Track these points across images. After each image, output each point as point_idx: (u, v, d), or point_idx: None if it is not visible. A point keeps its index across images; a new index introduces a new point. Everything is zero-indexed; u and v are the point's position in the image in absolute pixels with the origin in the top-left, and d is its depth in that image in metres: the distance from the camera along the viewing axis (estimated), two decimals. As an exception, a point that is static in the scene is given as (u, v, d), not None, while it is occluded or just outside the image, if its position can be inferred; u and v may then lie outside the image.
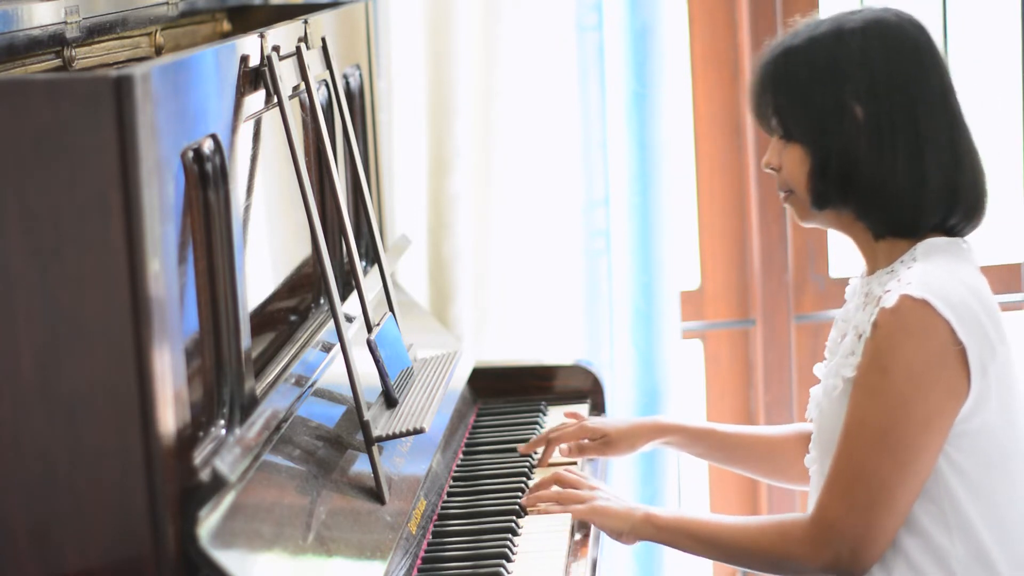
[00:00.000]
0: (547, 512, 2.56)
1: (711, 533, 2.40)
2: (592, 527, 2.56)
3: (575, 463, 2.82)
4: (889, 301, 2.24)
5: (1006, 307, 3.88)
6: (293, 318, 2.55)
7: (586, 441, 2.81)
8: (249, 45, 2.22)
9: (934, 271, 2.27)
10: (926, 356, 2.22)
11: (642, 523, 2.45)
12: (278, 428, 2.18)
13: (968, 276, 2.30)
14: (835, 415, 2.33)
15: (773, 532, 2.34)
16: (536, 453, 2.86)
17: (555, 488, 2.59)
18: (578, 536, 2.55)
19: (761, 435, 2.73)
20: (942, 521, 2.27)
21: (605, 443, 2.79)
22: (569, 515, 2.55)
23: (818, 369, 2.48)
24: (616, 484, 3.57)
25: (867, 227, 2.36)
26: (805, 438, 2.62)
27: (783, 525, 2.34)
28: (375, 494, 2.34)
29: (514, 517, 2.57)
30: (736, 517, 2.46)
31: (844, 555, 2.26)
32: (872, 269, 2.39)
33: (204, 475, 1.90)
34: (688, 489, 3.97)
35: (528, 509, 2.59)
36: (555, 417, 3.07)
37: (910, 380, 2.22)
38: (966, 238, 2.37)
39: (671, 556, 3.69)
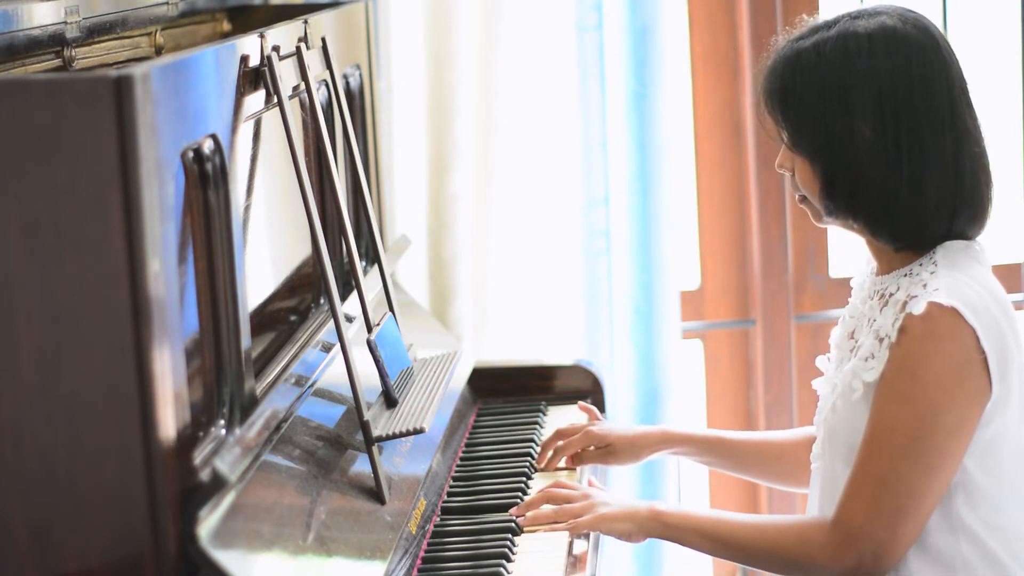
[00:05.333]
0: (551, 530, 2.49)
1: (726, 532, 2.37)
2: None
3: (573, 470, 2.78)
4: (917, 308, 2.22)
5: (1006, 307, 3.88)
6: (293, 318, 2.55)
7: (591, 448, 2.76)
8: (249, 45, 2.22)
9: (960, 277, 2.25)
10: (955, 363, 2.21)
11: (648, 520, 2.42)
12: (278, 428, 2.18)
13: (987, 280, 2.28)
14: (853, 418, 2.30)
15: (794, 534, 2.31)
16: (535, 454, 2.85)
17: (547, 507, 2.52)
18: (577, 541, 2.54)
19: (769, 440, 2.70)
20: (946, 523, 2.27)
21: (608, 452, 2.75)
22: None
23: (821, 362, 2.47)
24: (617, 488, 3.56)
25: (879, 239, 2.34)
26: (813, 441, 2.60)
27: (804, 528, 2.32)
28: (375, 494, 2.34)
29: (514, 517, 2.57)
30: (747, 516, 2.44)
31: (867, 560, 2.24)
32: (886, 268, 2.36)
33: (204, 475, 1.90)
34: (688, 492, 3.97)
35: (526, 529, 2.52)
36: (555, 417, 3.07)
37: (940, 387, 2.21)
38: (978, 240, 2.36)
39: (671, 556, 3.68)
